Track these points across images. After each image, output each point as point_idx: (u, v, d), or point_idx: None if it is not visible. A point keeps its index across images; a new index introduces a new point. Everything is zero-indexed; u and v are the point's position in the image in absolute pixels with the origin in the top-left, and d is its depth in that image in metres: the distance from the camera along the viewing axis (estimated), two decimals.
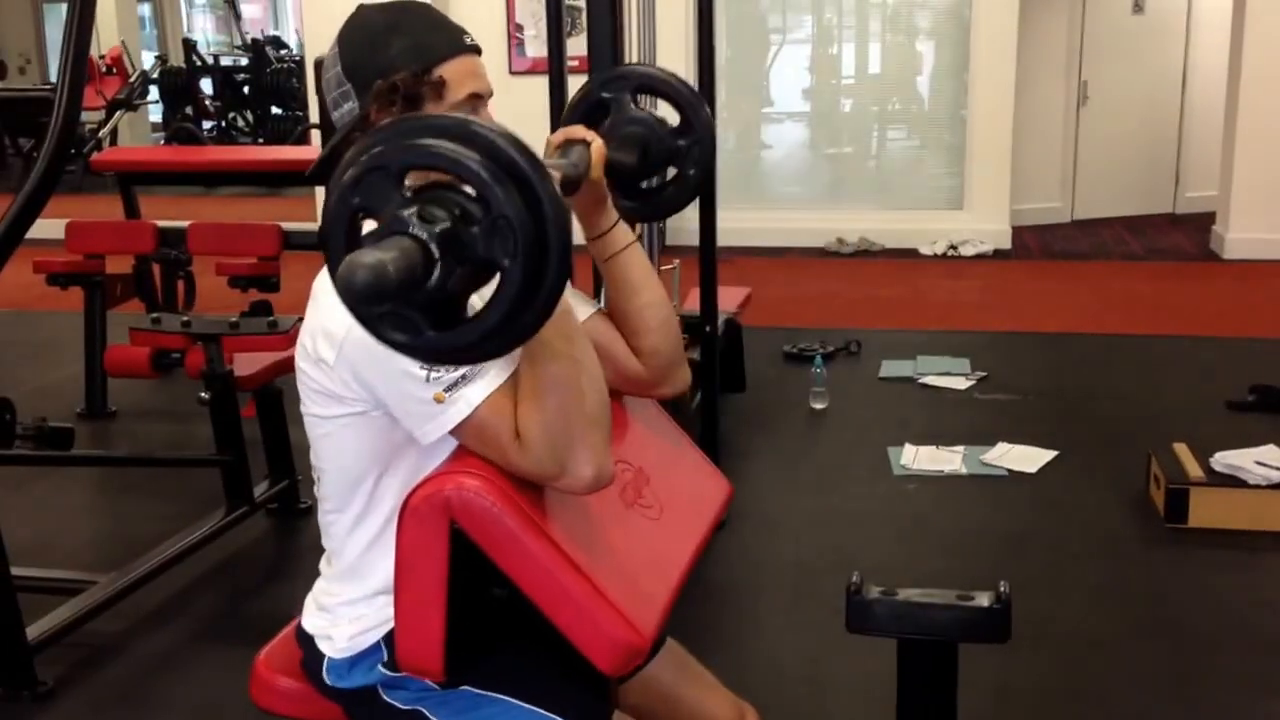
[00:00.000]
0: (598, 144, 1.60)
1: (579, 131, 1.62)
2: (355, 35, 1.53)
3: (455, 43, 1.53)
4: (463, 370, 1.42)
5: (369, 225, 1.21)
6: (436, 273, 1.16)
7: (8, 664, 2.78)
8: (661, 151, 1.81)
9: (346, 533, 1.58)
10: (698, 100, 1.85)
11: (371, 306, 1.19)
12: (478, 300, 1.24)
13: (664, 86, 1.85)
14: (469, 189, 1.19)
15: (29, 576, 2.98)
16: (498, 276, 1.19)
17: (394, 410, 1.46)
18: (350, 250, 1.17)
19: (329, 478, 1.58)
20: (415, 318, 1.20)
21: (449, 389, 1.42)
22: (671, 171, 1.87)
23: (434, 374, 1.42)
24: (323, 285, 1.52)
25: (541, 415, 1.41)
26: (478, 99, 1.54)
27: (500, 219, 1.17)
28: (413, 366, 1.41)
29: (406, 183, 1.20)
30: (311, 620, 1.64)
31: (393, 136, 1.21)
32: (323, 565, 1.67)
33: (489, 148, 1.18)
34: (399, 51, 1.49)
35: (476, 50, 1.56)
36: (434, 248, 1.16)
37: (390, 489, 1.52)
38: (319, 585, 1.66)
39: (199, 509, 3.59)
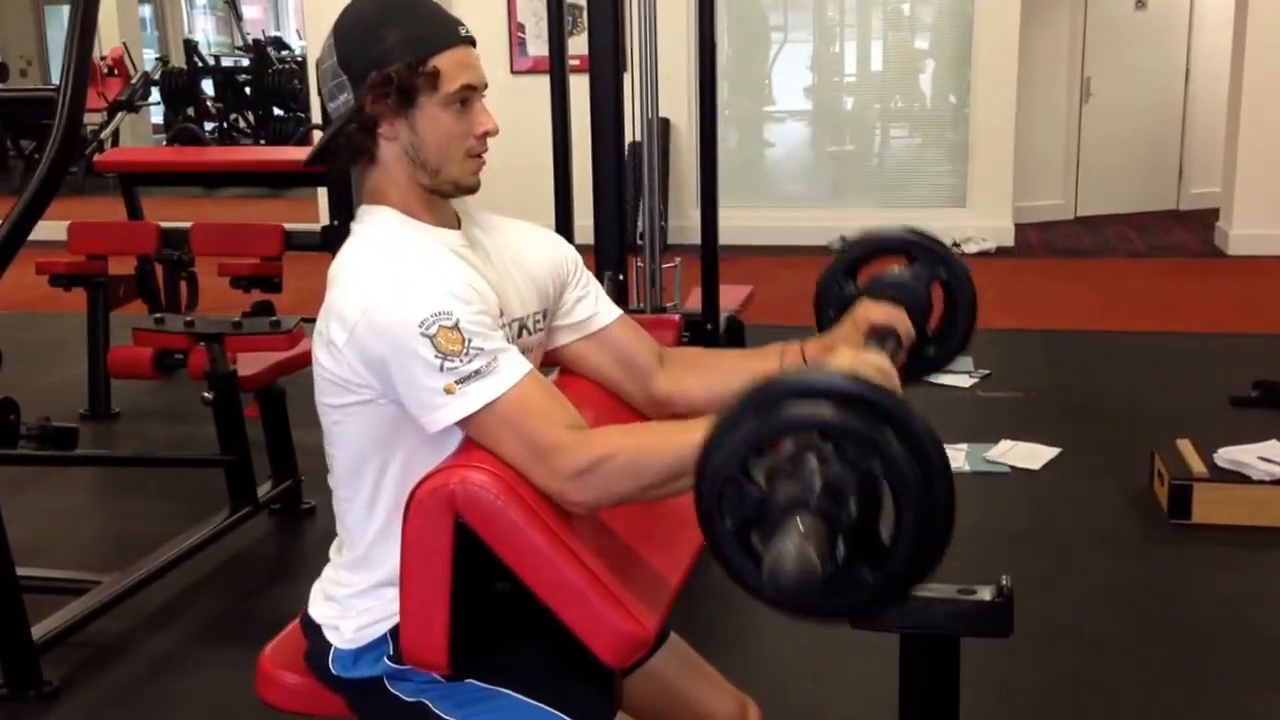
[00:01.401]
0: (909, 337, 1.63)
1: (893, 320, 1.64)
2: (350, 27, 1.54)
3: (450, 34, 1.54)
4: (477, 365, 1.43)
5: None
6: (841, 545, 1.20)
7: (13, 664, 2.78)
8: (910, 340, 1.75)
9: (356, 520, 1.59)
10: (970, 328, 1.77)
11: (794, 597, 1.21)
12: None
13: (962, 298, 1.77)
14: (849, 451, 1.20)
15: (33, 577, 2.99)
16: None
17: (403, 395, 1.46)
18: (739, 487, 1.21)
19: (339, 465, 1.58)
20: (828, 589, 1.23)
21: (460, 381, 1.42)
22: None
23: (448, 363, 1.42)
24: (340, 267, 1.53)
25: (619, 473, 1.43)
26: (472, 90, 1.55)
27: (890, 469, 1.20)
28: (428, 353, 1.42)
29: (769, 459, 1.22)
30: (319, 610, 1.64)
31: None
32: (333, 552, 1.67)
33: (874, 406, 1.21)
34: (394, 42, 1.50)
35: (471, 41, 1.56)
36: (842, 549, 1.19)
37: (398, 478, 1.53)
38: (328, 573, 1.67)
39: (202, 509, 3.59)
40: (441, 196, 1.59)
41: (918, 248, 1.80)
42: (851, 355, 1.47)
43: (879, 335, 1.63)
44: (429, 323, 1.42)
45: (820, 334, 1.74)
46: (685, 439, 1.36)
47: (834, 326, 1.74)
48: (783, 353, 1.71)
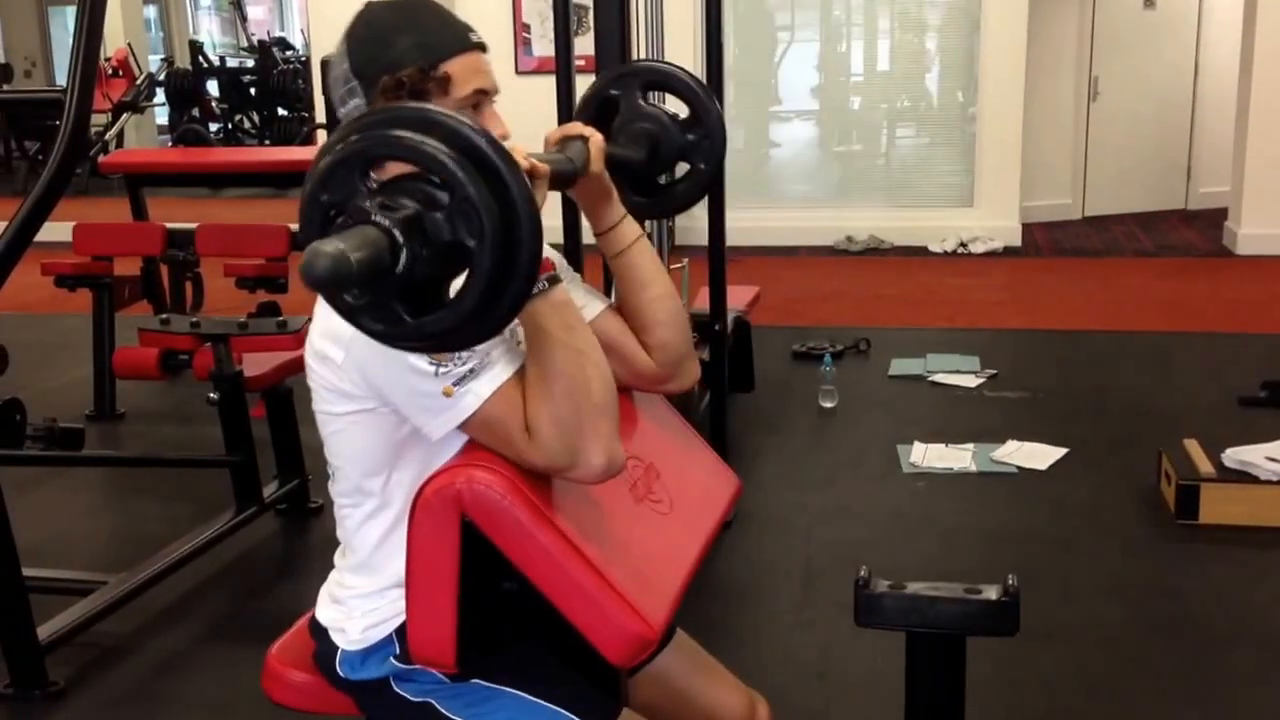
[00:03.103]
0: (596, 138, 1.61)
1: (576, 127, 1.63)
2: (362, 32, 1.54)
3: (462, 40, 1.54)
4: (470, 364, 1.43)
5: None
6: (404, 258, 1.18)
7: (19, 664, 2.78)
8: (672, 148, 1.82)
9: (359, 527, 1.58)
10: (707, 95, 1.84)
11: (339, 294, 1.21)
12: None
13: (673, 81, 1.86)
14: (435, 178, 1.21)
15: (40, 577, 2.98)
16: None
17: (402, 407, 1.46)
18: None
19: (342, 473, 1.58)
20: (394, 307, 1.21)
21: (457, 383, 1.42)
22: (683, 168, 1.88)
23: (442, 368, 1.42)
24: None
25: (550, 406, 1.42)
26: (483, 95, 1.55)
27: (464, 201, 1.19)
28: (420, 361, 1.41)
29: (373, 176, 1.22)
30: (325, 612, 1.65)
31: (355, 130, 1.23)
32: (337, 557, 1.67)
33: (451, 134, 1.21)
34: (406, 48, 1.50)
35: (483, 47, 1.57)
36: (398, 234, 1.17)
37: (401, 484, 1.53)
38: (333, 577, 1.67)
39: (208, 509, 3.59)
40: None
41: (612, 85, 1.84)
42: None
43: (560, 144, 1.60)
44: None
45: None
46: (549, 331, 1.42)
47: None
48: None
